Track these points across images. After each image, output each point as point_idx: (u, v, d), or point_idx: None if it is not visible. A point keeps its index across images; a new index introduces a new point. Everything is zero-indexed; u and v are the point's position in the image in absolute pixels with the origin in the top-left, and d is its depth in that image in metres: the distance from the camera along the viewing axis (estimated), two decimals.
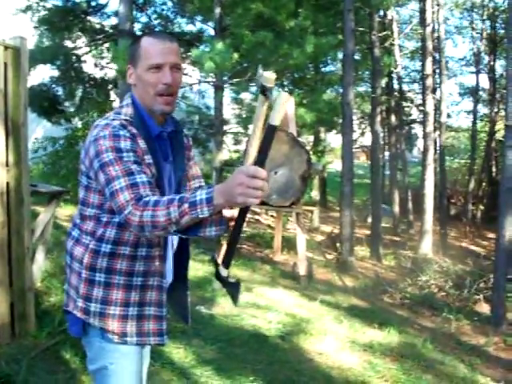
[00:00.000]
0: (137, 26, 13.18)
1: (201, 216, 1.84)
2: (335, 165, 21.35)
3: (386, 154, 22.14)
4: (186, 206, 1.84)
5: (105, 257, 2.14)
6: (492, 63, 21.84)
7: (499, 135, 21.62)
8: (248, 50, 9.81)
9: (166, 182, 2.22)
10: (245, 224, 2.29)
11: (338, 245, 11.89)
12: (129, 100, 2.21)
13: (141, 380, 2.32)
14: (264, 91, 2.10)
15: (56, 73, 12.46)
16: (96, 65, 13.45)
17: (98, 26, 13.46)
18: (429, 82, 14.80)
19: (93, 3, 12.97)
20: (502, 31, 21.11)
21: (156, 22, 13.75)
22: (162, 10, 13.79)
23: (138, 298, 2.20)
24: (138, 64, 2.16)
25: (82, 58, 12.94)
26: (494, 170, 23.48)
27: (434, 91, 16.11)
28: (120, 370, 2.21)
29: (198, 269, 8.15)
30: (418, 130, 26.45)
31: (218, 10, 10.29)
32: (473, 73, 23.42)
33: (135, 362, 2.26)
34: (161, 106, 2.16)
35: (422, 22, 15.72)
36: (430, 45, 14.78)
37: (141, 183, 1.95)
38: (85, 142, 2.15)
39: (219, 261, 2.28)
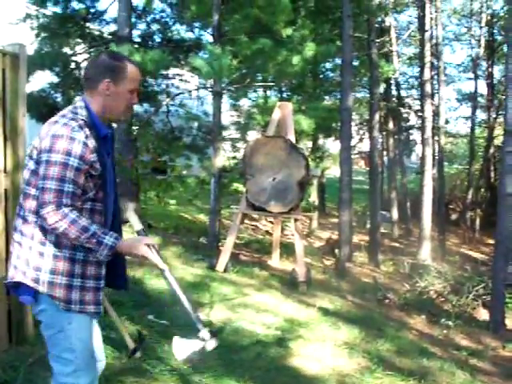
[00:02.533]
0: (135, 33, 13.20)
1: (99, 256, 2.44)
2: (334, 171, 21.36)
3: (385, 159, 22.16)
4: (93, 240, 2.38)
5: (52, 232, 2.42)
6: (490, 69, 21.89)
7: (497, 141, 21.66)
8: (247, 56, 9.83)
9: (107, 174, 2.56)
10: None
11: (336, 251, 11.90)
12: (82, 103, 2.55)
13: (92, 348, 2.65)
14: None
15: (55, 79, 12.46)
16: None
17: (96, 33, 13.47)
18: (427, 87, 14.84)
19: (92, 10, 12.98)
20: (500, 37, 21.20)
21: (155, 29, 13.77)
22: (161, 16, 13.81)
23: (80, 270, 2.50)
24: (120, 82, 2.56)
25: (81, 65, 12.94)
26: (492, 175, 23.49)
27: (432, 97, 16.15)
28: (71, 335, 2.51)
29: (196, 275, 8.15)
30: (416, 135, 26.48)
31: (216, 17, 10.31)
32: (471, 79, 23.50)
33: (84, 329, 2.57)
34: (124, 116, 2.71)
35: (421, 28, 15.79)
36: (428, 50, 14.82)
37: (66, 192, 2.35)
38: (41, 132, 2.45)
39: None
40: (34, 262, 2.45)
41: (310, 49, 9.52)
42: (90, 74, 2.59)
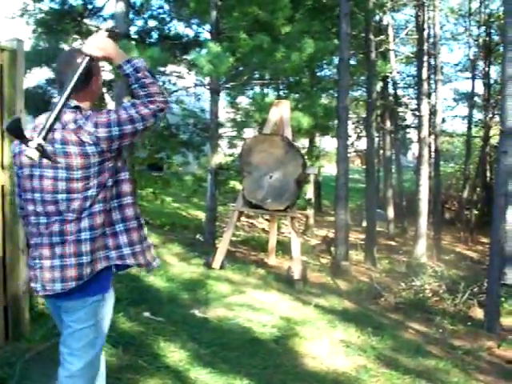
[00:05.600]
0: (133, 29, 13.17)
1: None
2: (330, 169, 21.39)
3: (381, 158, 22.19)
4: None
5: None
6: (487, 69, 21.92)
7: (494, 141, 21.70)
8: (245, 53, 9.81)
9: None
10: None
11: (332, 249, 11.91)
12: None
13: None
14: None
15: (52, 75, 12.42)
16: None
17: (94, 29, 13.42)
18: (424, 86, 14.86)
19: (89, 6, 12.96)
20: (497, 37, 21.21)
21: (152, 25, 13.73)
22: (159, 13, 13.77)
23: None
24: (99, 74, 2.75)
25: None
26: (488, 175, 23.54)
27: (429, 96, 16.18)
28: (106, 319, 2.70)
29: (192, 272, 8.15)
30: (412, 134, 26.52)
31: (214, 14, 10.30)
32: (468, 78, 23.53)
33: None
34: None
35: (419, 27, 15.79)
36: (425, 49, 14.84)
37: None
38: (97, 122, 2.46)
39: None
40: (91, 248, 2.52)
41: (308, 46, 9.50)
42: (81, 78, 2.48)
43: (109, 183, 2.53)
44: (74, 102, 2.54)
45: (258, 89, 14.03)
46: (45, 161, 2.40)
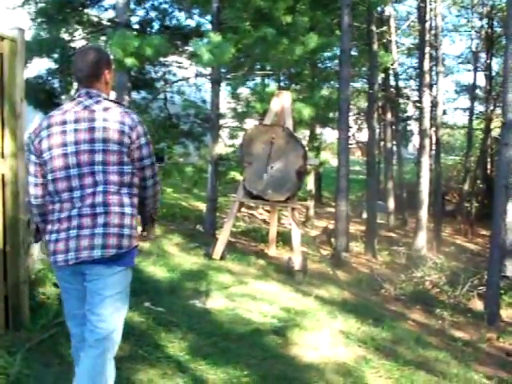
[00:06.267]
0: (134, 19, 13.11)
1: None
2: (331, 160, 21.37)
3: (382, 149, 22.15)
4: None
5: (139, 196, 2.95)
6: (489, 61, 21.85)
7: (495, 133, 21.67)
8: (248, 44, 9.78)
9: None
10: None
11: (332, 240, 11.91)
12: (104, 94, 2.94)
13: None
14: None
15: (53, 65, 12.38)
16: None
17: (95, 19, 13.37)
18: (426, 78, 14.82)
19: None
20: (499, 29, 21.14)
21: (153, 15, 13.67)
22: (160, 3, 13.70)
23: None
24: (111, 70, 3.01)
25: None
26: (488, 167, 23.52)
27: (430, 88, 16.13)
28: (128, 291, 2.97)
29: (192, 263, 8.16)
30: (413, 126, 26.46)
31: (215, 4, 10.26)
32: (469, 70, 23.47)
33: None
34: None
35: (421, 18, 15.73)
36: (427, 41, 14.79)
37: None
38: (123, 121, 2.81)
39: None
40: (130, 222, 2.82)
41: (312, 41, 9.47)
42: (91, 70, 2.88)
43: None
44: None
45: (259, 80, 13.99)
46: (79, 137, 2.76)
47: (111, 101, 2.91)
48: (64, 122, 2.78)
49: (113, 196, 2.76)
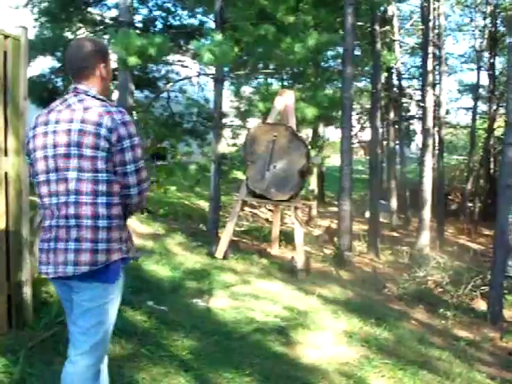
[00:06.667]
0: (137, 18, 13.14)
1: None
2: (333, 159, 21.33)
3: (385, 149, 22.14)
4: None
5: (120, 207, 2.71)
6: (492, 60, 21.81)
7: (498, 132, 21.65)
8: (249, 43, 9.77)
9: None
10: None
11: (335, 239, 11.89)
12: (93, 90, 2.69)
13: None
14: None
15: (56, 64, 12.40)
16: None
17: (98, 18, 13.40)
18: (429, 77, 14.79)
19: None
20: (503, 28, 21.10)
21: (156, 14, 13.69)
22: (163, 2, 13.73)
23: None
24: (108, 64, 2.78)
25: None
26: (492, 167, 23.47)
27: (433, 87, 16.11)
28: (116, 301, 2.75)
29: (195, 262, 8.15)
30: (416, 125, 26.43)
31: (218, 3, 10.25)
32: (473, 70, 23.43)
33: None
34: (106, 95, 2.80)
35: (424, 18, 15.70)
36: (430, 40, 14.77)
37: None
38: (103, 123, 2.55)
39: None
40: (107, 236, 2.59)
41: (312, 37, 9.45)
42: (84, 63, 2.68)
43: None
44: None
45: (262, 79, 14.00)
46: (57, 140, 2.57)
47: (98, 99, 2.66)
48: (47, 123, 2.64)
49: (86, 207, 2.55)
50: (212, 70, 11.40)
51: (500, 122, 21.23)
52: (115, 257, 2.62)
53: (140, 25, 13.01)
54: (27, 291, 4.25)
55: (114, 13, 13.24)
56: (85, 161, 2.53)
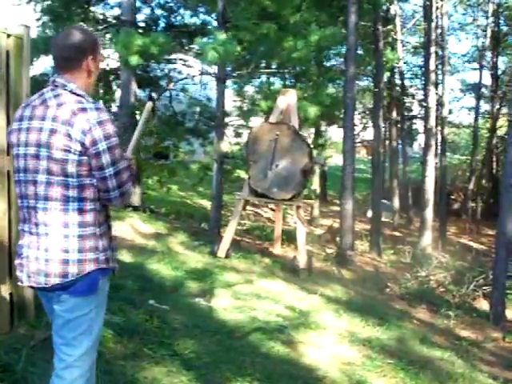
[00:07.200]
0: (140, 17, 13.14)
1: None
2: (336, 159, 21.34)
3: (387, 148, 22.13)
4: None
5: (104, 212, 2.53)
6: (495, 60, 21.79)
7: (500, 132, 21.62)
8: (251, 42, 9.77)
9: None
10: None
11: (337, 238, 11.89)
12: (73, 84, 2.41)
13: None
14: None
15: None
16: None
17: (100, 17, 13.40)
18: (431, 77, 14.78)
19: None
20: (506, 28, 21.08)
21: (159, 13, 13.69)
22: (166, 1, 13.72)
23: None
24: (97, 57, 2.51)
25: None
26: (494, 166, 23.45)
27: (436, 87, 16.09)
28: (100, 310, 2.57)
29: (197, 261, 8.15)
30: (419, 125, 26.42)
31: (221, 2, 10.24)
32: (475, 69, 23.40)
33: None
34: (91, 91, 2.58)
35: (426, 17, 15.68)
36: (433, 40, 14.75)
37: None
38: (75, 123, 2.29)
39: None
40: (80, 245, 2.37)
41: (314, 33, 9.43)
42: (71, 53, 2.41)
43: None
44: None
45: (264, 78, 13.99)
46: (30, 138, 2.35)
47: (76, 94, 2.38)
48: (21, 119, 2.41)
49: (54, 214, 2.34)
50: (214, 69, 11.39)
51: (503, 122, 21.21)
52: (89, 268, 2.38)
53: (142, 24, 13.01)
54: (29, 290, 4.25)
55: (116, 12, 13.25)
56: (54, 163, 2.30)
